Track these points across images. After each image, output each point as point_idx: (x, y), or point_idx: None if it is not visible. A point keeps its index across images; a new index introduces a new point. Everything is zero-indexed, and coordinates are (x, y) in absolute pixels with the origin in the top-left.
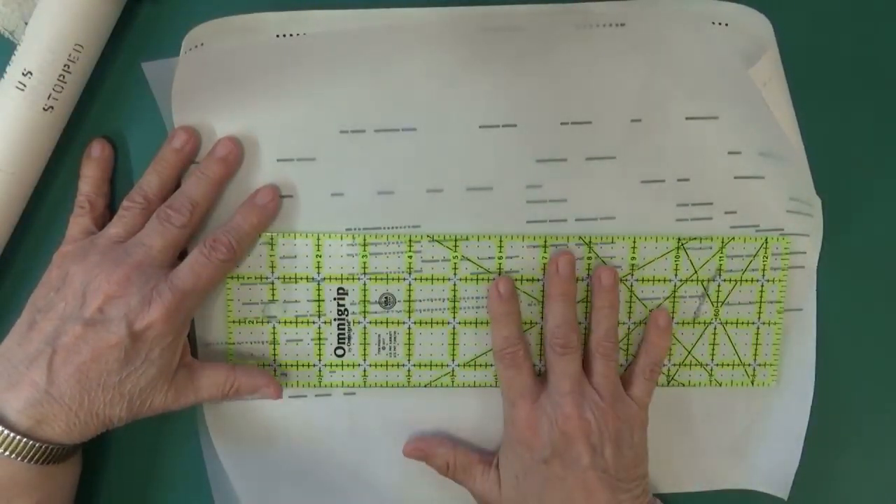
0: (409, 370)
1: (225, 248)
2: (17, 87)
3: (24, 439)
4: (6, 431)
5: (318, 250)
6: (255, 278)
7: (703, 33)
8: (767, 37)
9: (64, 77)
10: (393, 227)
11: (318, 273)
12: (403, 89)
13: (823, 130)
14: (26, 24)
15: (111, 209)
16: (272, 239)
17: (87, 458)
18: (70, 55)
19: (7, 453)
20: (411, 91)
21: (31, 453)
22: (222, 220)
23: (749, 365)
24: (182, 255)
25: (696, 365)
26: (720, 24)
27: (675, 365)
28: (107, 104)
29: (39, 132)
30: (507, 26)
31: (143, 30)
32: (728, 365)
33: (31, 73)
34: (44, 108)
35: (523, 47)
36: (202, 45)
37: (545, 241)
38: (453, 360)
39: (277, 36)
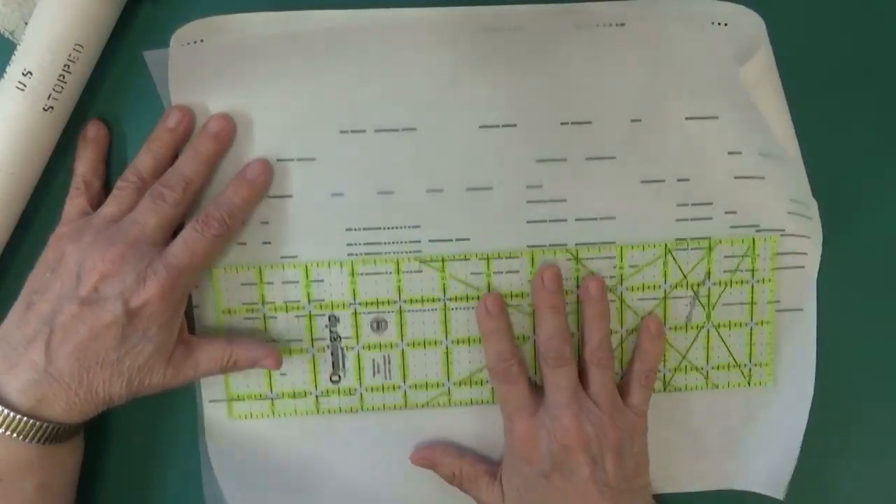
0: (405, 392)
1: (217, 223)
2: (17, 87)
3: (26, 418)
4: (7, 411)
5: (307, 279)
6: (247, 310)
7: (703, 33)
8: (761, 36)
9: (64, 77)
10: (393, 228)
11: (309, 302)
12: (403, 89)
13: (819, 131)
14: (26, 24)
15: (107, 192)
16: (261, 271)
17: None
18: (70, 55)
19: (9, 433)
20: (411, 91)
21: (33, 432)
22: None
23: (745, 366)
24: (177, 232)
25: (691, 369)
26: (720, 23)
27: (670, 370)
28: (107, 104)
29: (39, 132)
30: (507, 26)
31: (143, 30)
32: (724, 367)
33: (31, 73)
34: (44, 108)
35: (523, 47)
36: (201, 41)
37: (533, 256)
38: (448, 378)
39: (277, 36)
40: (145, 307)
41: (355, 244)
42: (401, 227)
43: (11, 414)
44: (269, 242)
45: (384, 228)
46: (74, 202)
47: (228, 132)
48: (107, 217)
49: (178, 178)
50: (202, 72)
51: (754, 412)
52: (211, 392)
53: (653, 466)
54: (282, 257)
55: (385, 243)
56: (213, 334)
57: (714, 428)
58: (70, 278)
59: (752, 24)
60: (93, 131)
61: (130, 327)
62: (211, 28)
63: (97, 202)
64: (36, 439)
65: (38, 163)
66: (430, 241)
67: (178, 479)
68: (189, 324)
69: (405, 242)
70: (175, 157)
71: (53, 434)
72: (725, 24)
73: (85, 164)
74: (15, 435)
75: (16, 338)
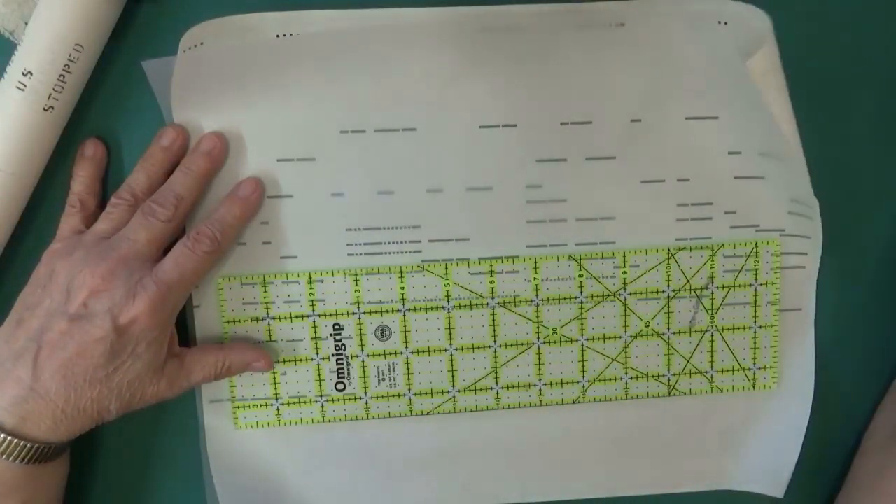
0: (410, 399)
1: (209, 241)
2: (17, 87)
3: (10, 437)
4: None
5: (311, 288)
6: (252, 320)
7: (703, 33)
8: (766, 33)
9: (64, 77)
10: (393, 227)
11: (313, 310)
12: (403, 89)
13: (822, 130)
14: (26, 24)
15: (102, 209)
16: (265, 280)
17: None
18: (70, 55)
19: None
20: (411, 91)
21: (17, 452)
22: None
23: (749, 369)
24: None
25: (696, 373)
26: (720, 22)
27: (674, 374)
28: (107, 104)
29: (39, 132)
30: (507, 26)
31: (143, 30)
32: (728, 371)
33: (31, 73)
34: (44, 108)
35: (523, 47)
36: (202, 44)
37: (536, 263)
38: (453, 386)
39: (277, 36)
40: (134, 324)
41: (355, 244)
42: (401, 227)
43: None
44: (269, 242)
45: (384, 228)
46: (69, 220)
47: (220, 150)
48: (99, 234)
49: (169, 195)
50: (203, 75)
51: (755, 412)
52: (211, 392)
53: (653, 466)
54: (282, 257)
55: (385, 243)
56: (214, 341)
57: (715, 428)
58: (60, 294)
59: (756, 21)
60: (90, 150)
61: (119, 344)
62: (210, 31)
63: (91, 220)
64: (20, 459)
65: (38, 163)
66: (430, 241)
67: (178, 481)
68: (184, 330)
69: (405, 242)
70: (169, 174)
71: (38, 454)
72: (726, 23)
73: (81, 182)
74: None
75: (4, 354)
